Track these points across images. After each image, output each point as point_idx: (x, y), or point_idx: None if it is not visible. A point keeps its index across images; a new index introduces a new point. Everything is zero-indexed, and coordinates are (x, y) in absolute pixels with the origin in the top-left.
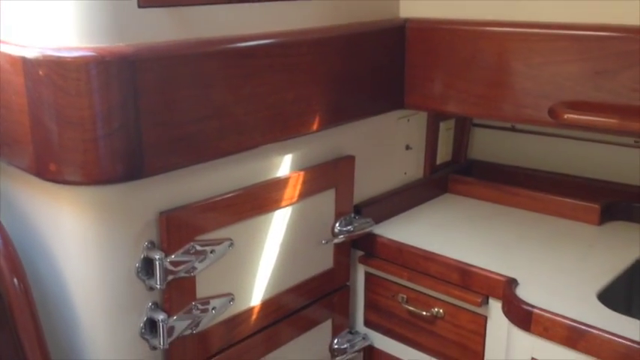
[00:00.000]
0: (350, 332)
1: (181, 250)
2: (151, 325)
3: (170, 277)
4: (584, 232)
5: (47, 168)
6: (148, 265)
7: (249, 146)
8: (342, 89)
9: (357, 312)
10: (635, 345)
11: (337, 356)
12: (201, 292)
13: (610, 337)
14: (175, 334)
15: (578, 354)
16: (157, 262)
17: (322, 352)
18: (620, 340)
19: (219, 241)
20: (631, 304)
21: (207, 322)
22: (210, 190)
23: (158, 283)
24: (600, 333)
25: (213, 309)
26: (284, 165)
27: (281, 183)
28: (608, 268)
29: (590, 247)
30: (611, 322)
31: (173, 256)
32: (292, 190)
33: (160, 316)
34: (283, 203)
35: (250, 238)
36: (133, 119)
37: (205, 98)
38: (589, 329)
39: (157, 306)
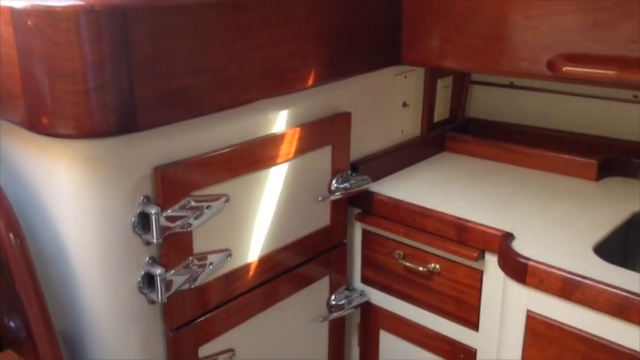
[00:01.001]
0: (347, 289)
1: (177, 205)
2: (149, 280)
3: (167, 232)
4: (581, 188)
5: (39, 121)
6: (144, 220)
7: (245, 101)
8: (337, 44)
9: (354, 269)
10: (630, 295)
11: (334, 312)
12: (199, 247)
13: (605, 287)
14: (173, 289)
15: (573, 305)
16: (153, 217)
17: (320, 308)
18: (615, 290)
19: (215, 197)
20: (626, 257)
21: (205, 276)
22: (206, 146)
23: (155, 237)
24: (595, 284)
25: (210, 264)
26: (280, 121)
27: (277, 139)
28: (605, 222)
29: (587, 201)
30: (606, 274)
31: (169, 211)
32: (288, 147)
33: (158, 271)
34: (279, 160)
35: (247, 194)
36: (125, 71)
37: (199, 50)
38: (584, 280)
39: (154, 261)
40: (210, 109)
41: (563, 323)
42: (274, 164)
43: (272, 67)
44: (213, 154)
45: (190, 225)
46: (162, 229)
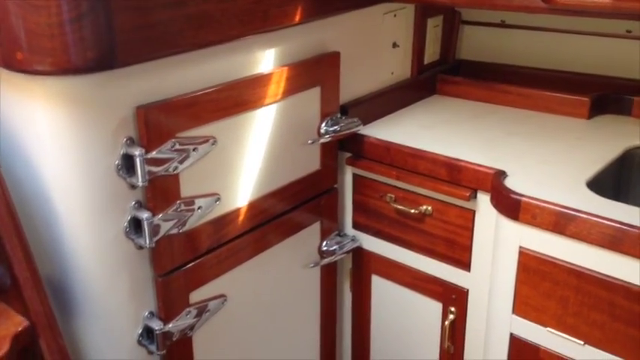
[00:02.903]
0: (339, 235)
1: (162, 147)
2: (136, 225)
3: (152, 175)
4: (574, 126)
5: (14, 57)
6: (128, 163)
7: (229, 37)
8: None
9: (345, 214)
10: (624, 227)
11: (326, 258)
12: (186, 191)
13: (598, 220)
14: (161, 233)
15: (566, 239)
16: (138, 159)
17: (311, 254)
18: (608, 222)
19: (202, 139)
20: (619, 192)
21: (193, 221)
22: (191, 85)
23: (140, 180)
24: (589, 217)
25: (199, 208)
26: (267, 60)
27: (264, 79)
28: (597, 158)
29: (579, 139)
30: (599, 207)
31: (154, 153)
32: (276, 87)
33: (144, 215)
34: (267, 101)
35: (234, 137)
36: (101, 2)
37: None
38: (577, 214)
39: (140, 205)
40: (192, 45)
41: (555, 258)
42: (262, 105)
43: (256, 1)
44: (198, 93)
45: (177, 168)
46: (147, 172)
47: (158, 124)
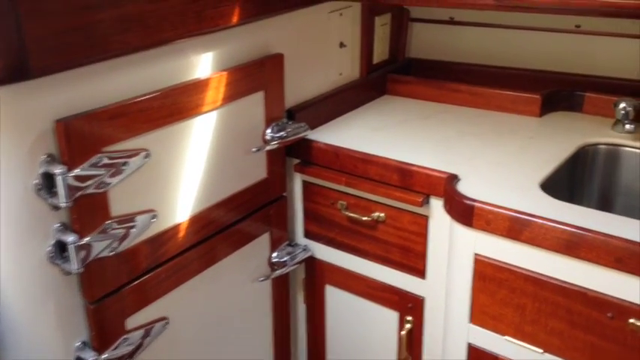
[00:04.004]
0: (289, 245)
1: (87, 164)
2: (62, 249)
3: (77, 194)
4: (526, 124)
5: None
6: (49, 182)
7: (160, 41)
8: None
9: (295, 223)
10: (579, 231)
11: (277, 269)
12: (118, 209)
13: (554, 224)
14: (91, 257)
15: (522, 245)
16: (59, 178)
17: (261, 266)
18: (564, 227)
19: (133, 152)
20: (573, 192)
21: (128, 242)
22: (120, 94)
23: (62, 200)
24: (544, 222)
25: (133, 227)
26: (204, 64)
27: (202, 85)
28: (550, 157)
29: (531, 138)
30: (554, 211)
31: (78, 170)
32: (215, 93)
33: (70, 238)
34: (206, 108)
35: (171, 147)
36: (7, 5)
37: None
38: (532, 219)
39: (65, 227)
40: (119, 51)
41: (511, 265)
42: (200, 113)
43: (189, 2)
44: (128, 103)
45: (106, 185)
46: (70, 191)
47: (81, 138)
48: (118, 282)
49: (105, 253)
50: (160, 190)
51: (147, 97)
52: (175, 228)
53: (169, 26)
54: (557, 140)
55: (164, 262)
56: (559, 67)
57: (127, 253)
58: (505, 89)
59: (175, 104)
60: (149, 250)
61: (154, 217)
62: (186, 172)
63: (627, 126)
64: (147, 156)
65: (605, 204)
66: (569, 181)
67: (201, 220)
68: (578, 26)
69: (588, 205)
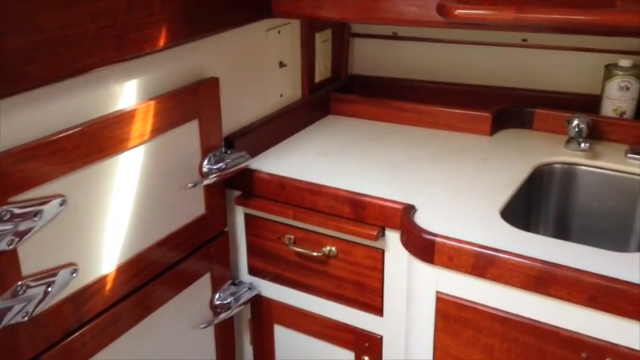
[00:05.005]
0: (233, 284)
1: None
2: None
3: None
4: (478, 144)
5: None
6: None
7: (74, 71)
8: None
9: (239, 260)
10: (549, 266)
11: (221, 313)
12: (31, 266)
13: (521, 260)
14: (2, 324)
15: (488, 283)
16: None
17: (203, 310)
18: (531, 262)
19: (46, 200)
20: (530, 214)
21: (45, 303)
22: (27, 134)
23: None
24: (510, 257)
25: (50, 286)
26: (128, 94)
27: (126, 117)
28: (507, 181)
29: (485, 160)
30: (520, 243)
31: None
32: (143, 125)
33: None
34: (132, 143)
35: (91, 190)
36: None
37: None
38: (497, 254)
39: None
40: (23, 85)
41: (477, 303)
42: (125, 149)
43: (108, 26)
44: (38, 143)
45: (13, 242)
46: None
47: None
48: (34, 350)
49: (17, 319)
50: (81, 239)
51: (61, 135)
52: (101, 280)
53: (85, 54)
54: (511, 161)
55: (89, 321)
56: (506, 83)
57: (44, 315)
58: (453, 107)
59: (95, 141)
60: (71, 310)
61: (74, 271)
62: (111, 216)
63: (582, 145)
64: (63, 203)
65: (563, 225)
66: (526, 202)
67: (132, 268)
68: (524, 40)
69: (546, 227)
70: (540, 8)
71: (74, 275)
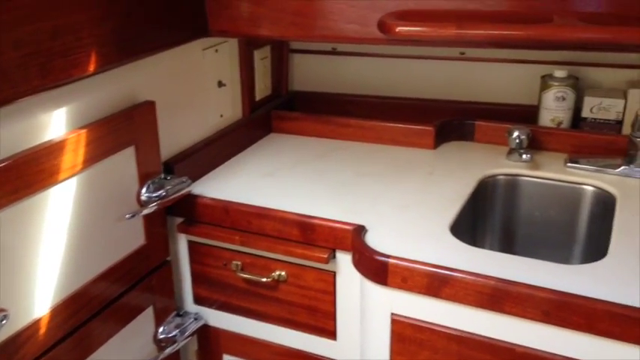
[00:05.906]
0: (178, 315)
1: None
2: None
3: None
4: (422, 158)
5: None
6: None
7: None
8: (124, 14)
9: (184, 290)
10: (503, 284)
11: (166, 347)
12: None
13: (474, 278)
14: None
15: (442, 302)
16: None
17: (147, 346)
18: (485, 280)
19: None
20: (476, 226)
21: None
22: None
23: None
24: (464, 276)
25: None
26: (57, 123)
27: (55, 148)
28: (454, 195)
29: (431, 174)
30: (473, 260)
31: None
32: (73, 156)
33: None
34: (63, 175)
35: (19, 229)
36: None
37: None
38: (451, 273)
39: None
40: None
41: (433, 323)
42: (56, 182)
43: (32, 52)
44: None
45: None
46: None
47: None
48: None
49: None
50: (11, 283)
51: None
52: (35, 325)
53: (7, 84)
54: (457, 175)
55: None
56: (446, 96)
57: None
58: (396, 121)
59: (21, 177)
60: (3, 358)
61: (4, 317)
62: (43, 255)
63: (524, 156)
64: None
65: (509, 236)
66: (473, 215)
67: (68, 308)
68: (462, 53)
69: (492, 239)
70: (480, 24)
71: (4, 322)
